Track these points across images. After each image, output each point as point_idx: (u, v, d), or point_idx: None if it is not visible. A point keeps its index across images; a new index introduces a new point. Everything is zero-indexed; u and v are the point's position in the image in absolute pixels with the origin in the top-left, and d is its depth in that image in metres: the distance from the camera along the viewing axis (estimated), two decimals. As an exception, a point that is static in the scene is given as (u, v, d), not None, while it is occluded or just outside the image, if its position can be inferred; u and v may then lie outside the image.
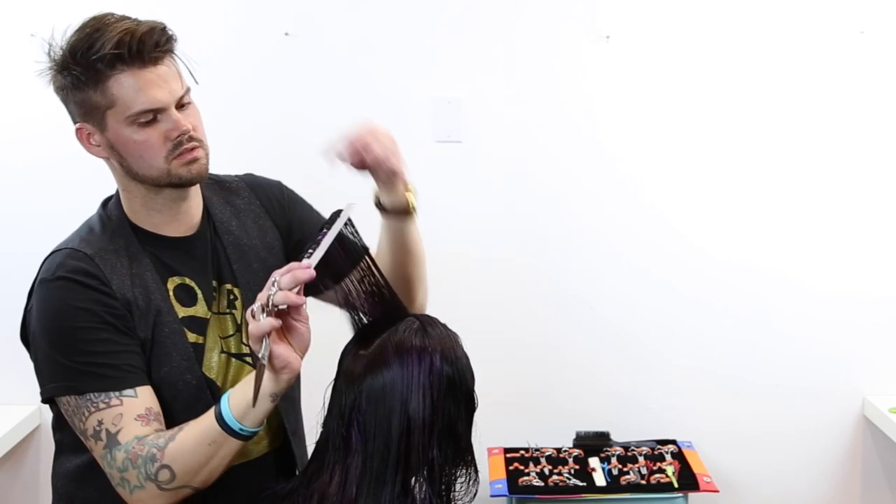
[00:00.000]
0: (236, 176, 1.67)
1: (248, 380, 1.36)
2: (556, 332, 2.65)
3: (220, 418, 1.36)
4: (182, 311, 1.50)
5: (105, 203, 1.57)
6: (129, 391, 1.41)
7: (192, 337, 1.50)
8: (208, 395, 1.50)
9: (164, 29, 1.43)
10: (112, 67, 1.40)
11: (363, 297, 1.40)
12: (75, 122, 1.49)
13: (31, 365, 2.62)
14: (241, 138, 2.51)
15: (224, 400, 1.37)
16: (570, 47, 2.57)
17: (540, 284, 2.64)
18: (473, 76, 2.58)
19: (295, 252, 1.61)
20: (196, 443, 1.37)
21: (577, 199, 2.61)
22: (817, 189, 2.60)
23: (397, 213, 1.52)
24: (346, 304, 1.42)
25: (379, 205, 1.55)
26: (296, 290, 1.31)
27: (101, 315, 1.42)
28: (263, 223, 1.63)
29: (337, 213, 1.37)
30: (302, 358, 1.35)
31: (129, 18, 1.43)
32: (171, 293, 1.50)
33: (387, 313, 1.40)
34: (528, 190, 2.61)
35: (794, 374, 2.66)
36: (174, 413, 1.47)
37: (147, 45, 1.40)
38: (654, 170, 2.61)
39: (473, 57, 2.57)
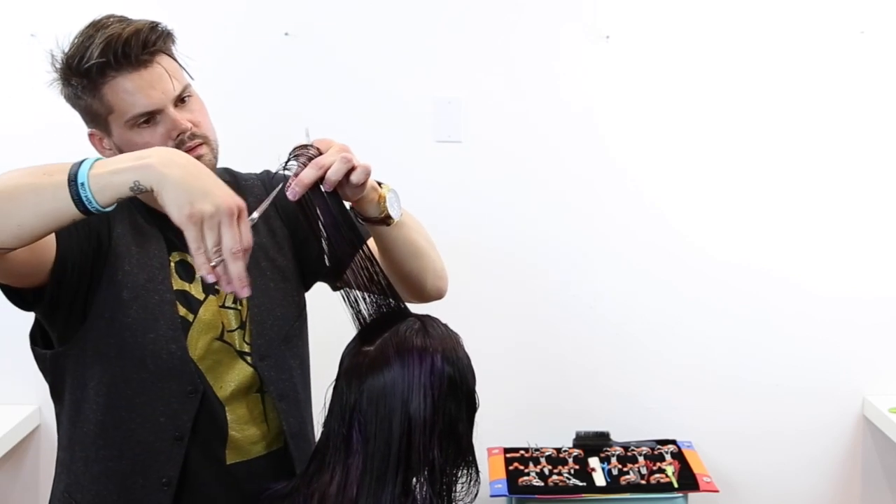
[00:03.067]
0: (255, 174, 1.66)
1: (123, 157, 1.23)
2: (556, 331, 2.65)
3: (76, 164, 1.21)
4: (177, 284, 1.49)
5: None
6: None
7: (181, 310, 1.49)
8: (192, 368, 1.48)
9: (153, 28, 1.42)
10: (103, 75, 1.40)
11: (365, 280, 1.39)
12: (88, 129, 1.50)
13: (31, 365, 2.63)
14: (240, 138, 2.49)
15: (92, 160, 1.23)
16: (570, 47, 2.57)
17: (540, 284, 2.64)
18: (473, 76, 2.58)
19: (305, 246, 1.61)
20: (23, 175, 1.23)
21: (577, 199, 2.61)
22: (817, 189, 2.60)
23: (376, 222, 1.46)
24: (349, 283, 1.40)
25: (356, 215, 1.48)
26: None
27: (90, 223, 1.38)
28: (273, 222, 1.61)
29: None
30: None
31: (123, 21, 1.42)
32: (172, 265, 1.50)
33: (385, 300, 1.40)
34: (528, 190, 2.61)
35: (794, 374, 2.66)
36: (156, 383, 1.45)
37: (133, 47, 1.39)
38: (654, 170, 2.61)
39: (473, 57, 2.57)
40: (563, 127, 2.59)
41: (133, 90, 1.40)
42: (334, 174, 1.32)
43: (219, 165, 1.63)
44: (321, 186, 1.32)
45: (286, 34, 2.54)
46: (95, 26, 1.42)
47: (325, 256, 1.38)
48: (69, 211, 1.20)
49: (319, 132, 2.77)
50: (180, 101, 1.45)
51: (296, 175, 1.32)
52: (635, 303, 2.64)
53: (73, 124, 2.51)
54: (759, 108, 2.58)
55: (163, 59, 1.44)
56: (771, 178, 2.60)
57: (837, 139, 2.59)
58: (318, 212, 1.34)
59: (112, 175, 1.19)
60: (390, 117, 2.58)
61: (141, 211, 1.51)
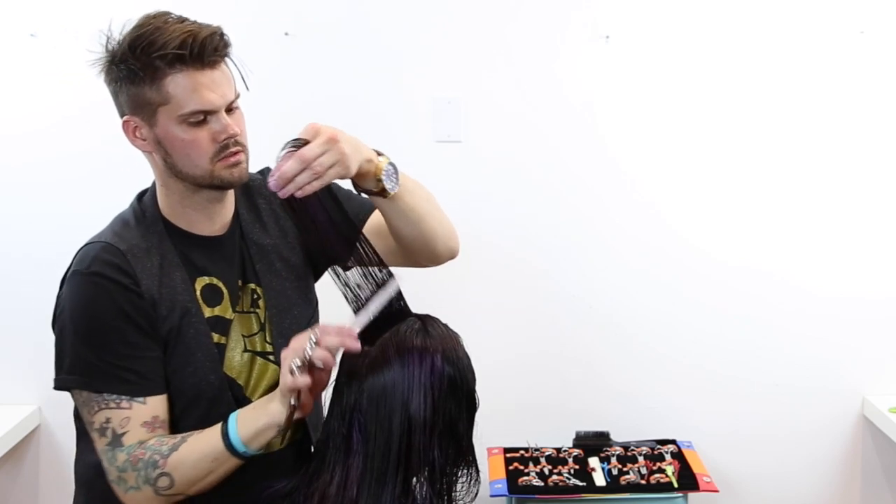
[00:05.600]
0: (259, 173, 1.68)
1: (257, 405, 1.42)
2: (556, 331, 2.65)
3: (226, 438, 1.40)
4: (208, 312, 1.53)
5: (140, 197, 1.60)
6: (140, 398, 1.45)
7: (215, 337, 1.53)
8: (230, 395, 1.52)
9: (222, 35, 1.48)
10: (171, 66, 1.43)
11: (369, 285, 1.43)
12: (122, 115, 1.51)
13: (31, 365, 2.64)
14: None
15: (232, 421, 1.41)
16: (570, 47, 2.57)
17: (540, 284, 2.63)
18: (473, 76, 2.57)
19: (314, 253, 1.64)
20: (199, 458, 1.41)
21: (577, 199, 2.61)
22: (817, 189, 2.60)
23: (374, 193, 1.50)
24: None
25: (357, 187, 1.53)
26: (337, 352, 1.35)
27: (131, 316, 1.46)
28: (284, 223, 1.65)
29: (385, 279, 1.40)
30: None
31: (188, 20, 1.47)
32: (198, 293, 1.53)
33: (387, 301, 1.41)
34: (527, 190, 2.61)
35: (793, 373, 2.65)
36: (195, 412, 1.50)
37: (207, 48, 1.44)
38: (654, 170, 2.60)
39: (473, 57, 2.57)
40: (563, 127, 2.59)
41: (196, 87, 1.44)
42: (308, 179, 1.36)
43: None
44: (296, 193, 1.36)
45: (286, 34, 2.54)
46: (161, 19, 1.45)
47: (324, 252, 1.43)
48: (241, 462, 1.43)
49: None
50: (229, 109, 1.50)
51: (278, 167, 1.34)
52: (635, 303, 2.64)
53: (72, 124, 2.52)
54: (759, 108, 2.58)
55: (224, 66, 1.49)
56: (771, 178, 2.60)
57: (837, 139, 2.59)
58: (310, 209, 1.37)
59: (266, 439, 1.41)
60: (390, 117, 2.58)
61: (161, 239, 1.53)
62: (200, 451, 1.41)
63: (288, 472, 1.50)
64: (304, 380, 1.34)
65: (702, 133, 2.59)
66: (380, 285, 1.40)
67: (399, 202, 1.52)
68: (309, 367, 1.34)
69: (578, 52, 2.57)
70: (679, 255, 2.62)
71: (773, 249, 2.62)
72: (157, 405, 1.47)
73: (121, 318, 1.45)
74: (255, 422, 1.40)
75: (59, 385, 1.50)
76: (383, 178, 1.46)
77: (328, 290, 1.63)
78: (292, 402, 1.35)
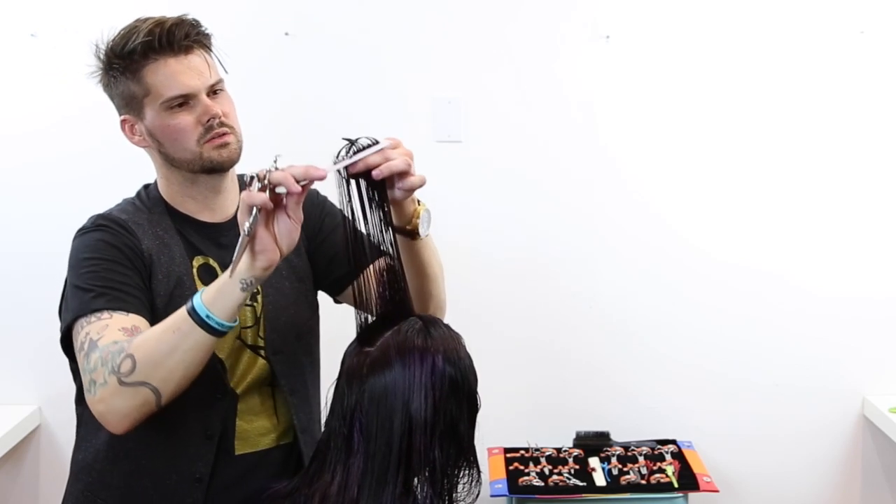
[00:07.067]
0: None
1: (224, 276, 1.37)
2: (557, 331, 2.65)
3: (190, 308, 1.36)
4: (202, 288, 1.52)
5: (146, 186, 1.66)
6: (122, 311, 1.45)
7: None
8: (218, 369, 1.54)
9: (195, 23, 1.53)
10: (146, 57, 1.49)
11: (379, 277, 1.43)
12: (120, 115, 1.57)
13: (31, 365, 2.64)
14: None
15: (197, 293, 1.37)
16: (570, 47, 2.57)
17: (540, 284, 2.64)
18: (473, 76, 2.57)
19: (318, 253, 1.67)
20: (162, 330, 1.37)
21: (578, 199, 2.61)
22: (817, 189, 2.60)
23: (403, 232, 1.51)
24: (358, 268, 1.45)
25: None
26: (302, 182, 1.31)
27: (125, 253, 1.50)
28: None
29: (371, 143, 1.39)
30: (282, 256, 1.35)
31: (165, 17, 1.52)
32: (194, 269, 1.56)
33: (395, 296, 1.41)
34: (528, 189, 2.61)
35: (793, 374, 2.65)
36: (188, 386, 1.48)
37: (176, 35, 1.49)
38: (654, 169, 2.60)
39: (473, 57, 2.57)
40: (563, 127, 2.59)
41: (172, 73, 1.50)
42: (393, 167, 1.39)
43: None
44: (373, 172, 1.38)
45: (286, 34, 2.54)
46: (139, 20, 1.52)
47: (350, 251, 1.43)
48: (209, 341, 1.37)
49: (319, 133, 2.78)
50: (213, 92, 1.54)
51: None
52: (635, 302, 2.64)
53: (72, 124, 2.52)
54: (759, 108, 2.58)
55: (202, 51, 1.54)
56: (771, 178, 2.60)
57: (837, 139, 2.59)
58: (365, 197, 1.39)
59: (230, 302, 1.35)
60: (390, 117, 2.58)
61: (162, 218, 1.58)
62: (165, 324, 1.37)
63: (277, 475, 1.51)
64: (260, 196, 1.28)
65: (702, 133, 2.59)
66: (365, 147, 1.39)
67: (419, 251, 1.53)
68: (270, 190, 1.30)
69: (578, 52, 2.57)
70: (679, 255, 2.62)
71: (773, 249, 2.62)
72: (139, 320, 1.45)
73: (115, 253, 1.50)
74: (217, 281, 1.36)
75: (63, 330, 1.49)
76: (420, 219, 1.49)
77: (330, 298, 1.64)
78: (247, 226, 1.29)
